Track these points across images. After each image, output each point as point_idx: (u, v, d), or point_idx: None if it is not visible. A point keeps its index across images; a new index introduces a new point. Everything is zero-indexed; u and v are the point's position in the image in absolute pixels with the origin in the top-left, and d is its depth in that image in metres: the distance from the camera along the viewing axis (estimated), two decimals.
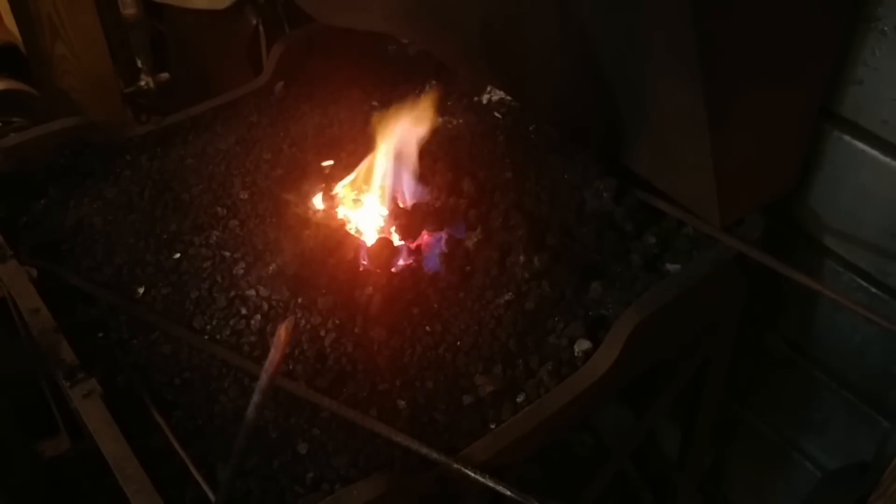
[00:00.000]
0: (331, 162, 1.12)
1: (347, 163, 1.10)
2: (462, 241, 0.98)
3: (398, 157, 1.03)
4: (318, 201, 1.06)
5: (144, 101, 1.68)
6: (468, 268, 0.96)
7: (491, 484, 0.74)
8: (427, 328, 0.90)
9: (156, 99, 1.67)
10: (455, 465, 0.75)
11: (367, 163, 1.06)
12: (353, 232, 1.02)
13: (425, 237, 1.00)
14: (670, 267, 0.96)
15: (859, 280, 1.02)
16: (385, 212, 1.04)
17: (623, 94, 0.91)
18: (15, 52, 1.61)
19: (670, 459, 1.36)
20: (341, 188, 1.08)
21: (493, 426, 0.80)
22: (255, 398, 0.63)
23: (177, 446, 0.77)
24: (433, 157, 1.08)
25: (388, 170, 1.04)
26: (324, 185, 1.08)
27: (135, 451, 0.74)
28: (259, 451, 0.79)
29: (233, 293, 0.94)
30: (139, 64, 1.64)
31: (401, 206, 1.03)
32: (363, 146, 1.09)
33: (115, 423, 0.77)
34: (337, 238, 0.99)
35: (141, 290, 0.95)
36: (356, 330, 0.89)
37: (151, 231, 1.03)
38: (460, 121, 1.19)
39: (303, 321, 0.91)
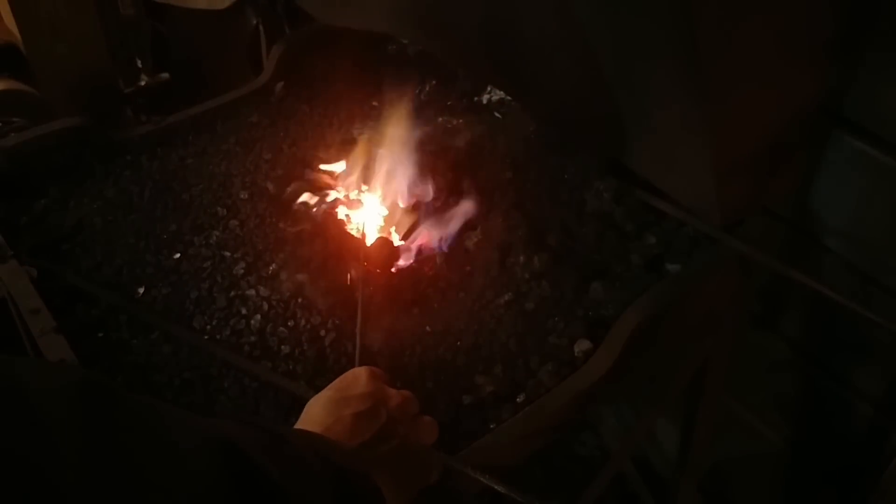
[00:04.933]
0: (331, 162, 1.12)
1: (347, 163, 1.10)
2: (462, 241, 0.98)
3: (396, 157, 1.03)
4: (318, 201, 1.06)
5: (144, 101, 1.68)
6: (468, 268, 0.96)
7: (491, 484, 0.74)
8: (427, 328, 0.90)
9: (156, 99, 1.67)
10: (455, 465, 0.75)
11: (366, 163, 1.06)
12: (353, 232, 1.02)
13: (425, 237, 1.00)
14: (670, 267, 0.96)
15: (859, 280, 1.02)
16: (385, 211, 1.04)
17: (623, 93, 0.91)
18: (15, 52, 1.61)
19: (670, 459, 1.36)
20: (341, 188, 1.08)
21: (492, 426, 0.80)
22: None
23: None
24: (433, 157, 1.08)
25: (388, 170, 1.04)
26: (324, 185, 1.08)
27: None
28: None
29: (233, 293, 0.94)
30: (139, 64, 1.65)
31: (401, 205, 1.03)
32: (362, 146, 1.09)
33: None
34: (337, 238, 0.99)
35: (141, 290, 0.95)
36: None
37: (151, 231, 1.03)
38: (460, 121, 1.19)
39: (302, 321, 0.91)
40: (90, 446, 0.39)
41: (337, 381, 0.74)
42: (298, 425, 0.70)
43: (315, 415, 0.70)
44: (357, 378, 0.74)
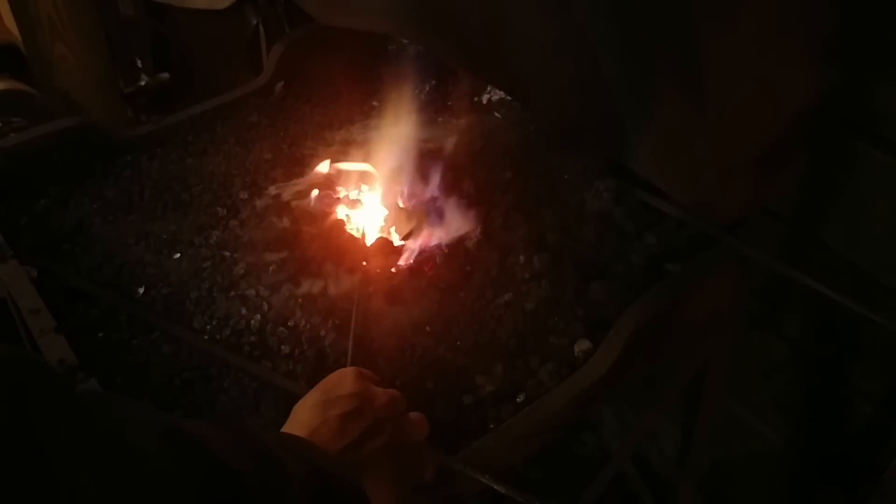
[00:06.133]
0: (330, 162, 1.12)
1: (347, 163, 1.10)
2: (462, 241, 0.98)
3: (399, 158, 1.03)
4: (318, 201, 1.06)
5: (144, 101, 1.68)
6: (468, 268, 0.96)
7: (491, 484, 0.74)
8: (427, 328, 0.90)
9: (156, 99, 1.67)
10: (455, 465, 0.75)
11: (367, 162, 1.06)
12: (353, 232, 1.02)
13: (425, 237, 1.00)
14: (670, 267, 0.96)
15: (859, 280, 1.02)
16: (385, 211, 1.04)
17: (623, 93, 0.91)
18: (15, 52, 1.62)
19: (670, 459, 1.36)
20: (341, 188, 1.08)
21: (492, 426, 0.80)
22: None
23: None
24: (433, 157, 1.08)
25: (388, 169, 1.04)
26: (324, 185, 1.08)
27: None
28: None
29: (233, 293, 0.94)
30: (139, 64, 1.65)
31: (401, 205, 1.03)
32: (362, 147, 1.09)
33: None
34: (337, 238, 0.99)
35: (141, 290, 0.95)
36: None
37: (151, 231, 1.03)
38: (460, 121, 1.19)
39: (302, 321, 0.91)
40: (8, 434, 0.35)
41: (323, 382, 0.74)
42: (286, 428, 0.70)
43: (302, 418, 0.70)
44: (343, 379, 0.74)
